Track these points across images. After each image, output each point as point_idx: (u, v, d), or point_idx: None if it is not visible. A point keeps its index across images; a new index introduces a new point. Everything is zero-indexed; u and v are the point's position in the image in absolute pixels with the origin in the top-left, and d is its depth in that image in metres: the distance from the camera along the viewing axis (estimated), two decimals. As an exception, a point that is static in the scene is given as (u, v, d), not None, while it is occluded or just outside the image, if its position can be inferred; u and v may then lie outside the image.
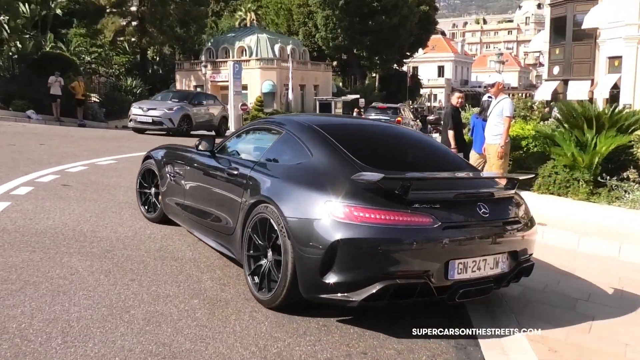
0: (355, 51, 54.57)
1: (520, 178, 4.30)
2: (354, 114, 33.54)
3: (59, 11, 30.80)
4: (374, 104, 31.85)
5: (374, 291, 3.48)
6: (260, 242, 4.05)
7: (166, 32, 42.85)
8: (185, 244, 5.26)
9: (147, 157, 6.43)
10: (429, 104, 65.99)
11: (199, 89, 40.36)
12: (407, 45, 54.68)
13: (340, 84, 64.24)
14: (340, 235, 3.52)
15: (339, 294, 3.57)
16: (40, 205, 6.53)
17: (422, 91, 70.75)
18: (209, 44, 51.26)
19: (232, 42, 49.78)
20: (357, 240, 3.49)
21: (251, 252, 4.13)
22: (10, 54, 25.12)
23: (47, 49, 27.27)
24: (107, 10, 38.97)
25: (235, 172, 4.58)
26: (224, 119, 21.45)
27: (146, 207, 6.28)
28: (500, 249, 3.89)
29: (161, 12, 39.97)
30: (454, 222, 3.67)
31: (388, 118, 24.51)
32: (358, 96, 45.78)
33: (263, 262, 4.04)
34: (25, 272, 4.25)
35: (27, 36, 26.74)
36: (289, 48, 49.57)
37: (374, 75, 62.22)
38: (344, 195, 3.63)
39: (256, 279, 4.06)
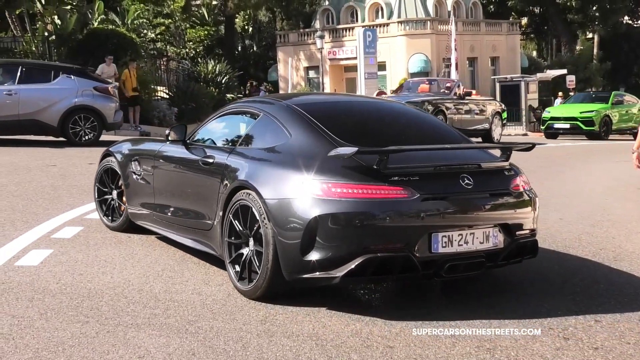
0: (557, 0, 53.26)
1: (515, 148, 5.96)
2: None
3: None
4: None
5: (353, 266, 5.13)
6: (241, 228, 5.79)
7: (262, -11, 44.57)
8: (302, 311, 5.41)
9: (106, 155, 8.33)
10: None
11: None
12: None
13: (535, 53, 63.06)
14: (319, 211, 5.20)
15: (322, 272, 5.24)
16: (93, 254, 7.05)
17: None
18: (326, 2, 52.70)
19: (361, -2, 50.72)
20: (336, 216, 5.17)
21: (232, 239, 5.90)
22: (46, 34, 27.52)
23: (95, 25, 29.52)
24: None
25: (211, 161, 6.38)
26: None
27: (109, 217, 8.16)
28: (489, 222, 5.51)
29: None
30: (434, 193, 5.32)
31: None
32: (565, 71, 44.61)
33: (244, 250, 5.79)
34: (77, 353, 4.57)
35: (69, 7, 29.14)
36: (449, 1, 49.60)
37: (589, 36, 60.25)
38: (322, 172, 5.35)
39: (237, 268, 5.84)
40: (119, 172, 7.95)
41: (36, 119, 17.12)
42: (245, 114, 6.84)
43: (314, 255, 5.25)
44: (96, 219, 8.44)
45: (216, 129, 7.11)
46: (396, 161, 5.35)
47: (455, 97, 23.37)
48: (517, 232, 5.69)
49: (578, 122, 29.63)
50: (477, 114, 23.89)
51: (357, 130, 6.10)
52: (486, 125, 23.99)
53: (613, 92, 33.48)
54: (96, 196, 8.39)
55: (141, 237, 7.76)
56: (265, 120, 6.35)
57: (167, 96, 29.22)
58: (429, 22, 46.93)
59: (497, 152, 6.09)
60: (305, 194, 5.31)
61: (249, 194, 5.68)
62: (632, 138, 30.67)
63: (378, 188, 5.22)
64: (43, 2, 28.28)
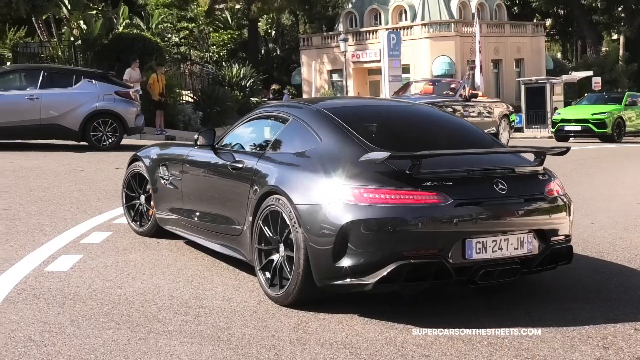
0: (582, 0, 52.90)
1: (549, 153, 5.87)
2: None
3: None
4: None
5: (386, 273, 5.06)
6: (271, 234, 5.75)
7: (286, -8, 44.65)
8: (334, 318, 5.34)
9: (133, 160, 8.34)
10: None
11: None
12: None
13: (559, 55, 62.62)
14: (351, 217, 5.15)
15: (354, 279, 5.19)
16: (122, 259, 7.03)
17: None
18: (350, 5, 52.69)
19: (385, 1, 50.85)
20: (368, 221, 5.12)
21: (262, 245, 5.85)
22: (72, 39, 27.66)
23: (120, 29, 29.65)
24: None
25: (241, 166, 6.35)
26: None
27: (137, 222, 8.13)
28: (524, 228, 5.43)
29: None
30: (468, 199, 5.24)
31: None
32: (590, 73, 44.28)
33: (275, 256, 5.74)
34: (109, 361, 4.55)
35: (94, 12, 29.28)
36: (473, 3, 49.46)
37: (614, 37, 59.81)
38: (353, 177, 5.30)
39: (267, 275, 5.79)
40: (147, 177, 7.93)
41: (58, 124, 17.12)
42: (274, 119, 6.80)
43: (346, 262, 5.19)
44: (124, 224, 8.42)
45: (245, 133, 7.08)
46: (429, 166, 5.30)
47: (460, 98, 22.15)
48: (552, 238, 5.61)
49: (589, 124, 28.00)
50: (485, 116, 22.47)
51: (387, 135, 6.08)
52: (493, 129, 22.36)
53: (627, 93, 32.00)
54: (124, 201, 8.39)
55: (170, 242, 7.73)
56: (295, 124, 6.31)
57: (192, 100, 29.25)
58: (453, 24, 46.76)
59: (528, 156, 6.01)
60: (336, 199, 5.26)
61: (279, 199, 5.65)
62: None
63: (411, 193, 5.16)
64: (69, 8, 28.46)
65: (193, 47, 48.07)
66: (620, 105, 29.08)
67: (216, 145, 6.97)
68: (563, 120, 28.85)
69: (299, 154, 5.97)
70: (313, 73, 44.23)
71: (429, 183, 5.21)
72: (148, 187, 7.94)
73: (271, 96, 50.90)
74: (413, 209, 5.13)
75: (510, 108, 25.51)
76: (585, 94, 36.32)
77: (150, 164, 7.91)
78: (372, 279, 5.14)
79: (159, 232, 7.84)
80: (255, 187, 6.03)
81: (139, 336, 4.95)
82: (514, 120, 25.73)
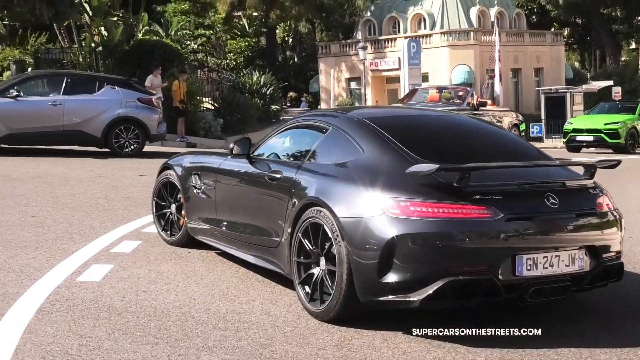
0: (602, 10, 52.61)
1: (599, 166, 5.69)
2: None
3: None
4: None
5: (431, 291, 4.89)
6: (311, 247, 5.56)
7: (304, 0, 44.74)
8: (378, 335, 5.18)
9: (164, 168, 8.17)
10: None
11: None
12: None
13: (577, 63, 62.34)
14: (397, 231, 4.98)
15: (399, 295, 5.02)
16: (154, 269, 6.89)
17: None
18: (368, 13, 52.63)
19: (404, 9, 50.69)
20: (415, 236, 4.96)
21: (302, 258, 5.67)
22: (93, 45, 27.68)
23: (140, 35, 29.65)
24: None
25: (279, 176, 6.18)
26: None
27: (168, 232, 7.96)
28: (575, 244, 5.25)
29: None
30: (518, 213, 5.06)
31: None
32: (611, 82, 43.98)
33: (315, 270, 5.56)
34: (150, 378, 4.40)
35: (115, 19, 29.31)
36: (493, 12, 49.26)
37: (633, 47, 59.47)
38: (399, 190, 5.14)
39: (307, 289, 5.61)
40: (179, 186, 7.77)
41: (80, 130, 17.04)
42: (311, 128, 6.62)
43: (391, 277, 5.03)
44: (154, 233, 8.28)
45: (281, 143, 6.91)
46: (477, 179, 5.12)
47: (468, 107, 21.72)
48: (603, 255, 5.42)
49: (602, 135, 27.08)
50: None
51: (430, 146, 5.87)
52: None
53: None
54: (154, 210, 8.22)
55: (201, 252, 7.58)
56: (335, 134, 6.14)
57: (213, 107, 29.17)
58: (472, 32, 46.58)
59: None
60: (382, 212, 5.10)
61: (321, 211, 5.47)
62: None
63: (460, 207, 4.99)
64: (90, 14, 28.49)
65: (210, 54, 48.12)
66: (634, 115, 28.22)
67: (251, 155, 6.81)
68: (575, 130, 28.00)
69: (340, 164, 5.80)
70: (331, 81, 44.10)
71: (478, 197, 5.04)
72: (179, 196, 7.78)
73: (289, 104, 50.88)
74: (462, 223, 4.97)
75: (520, 117, 25.06)
76: (599, 104, 35.69)
77: (182, 172, 7.75)
78: (418, 296, 4.97)
79: (189, 241, 7.69)
80: (294, 199, 5.87)
81: (178, 352, 4.80)
82: (523, 130, 25.20)
